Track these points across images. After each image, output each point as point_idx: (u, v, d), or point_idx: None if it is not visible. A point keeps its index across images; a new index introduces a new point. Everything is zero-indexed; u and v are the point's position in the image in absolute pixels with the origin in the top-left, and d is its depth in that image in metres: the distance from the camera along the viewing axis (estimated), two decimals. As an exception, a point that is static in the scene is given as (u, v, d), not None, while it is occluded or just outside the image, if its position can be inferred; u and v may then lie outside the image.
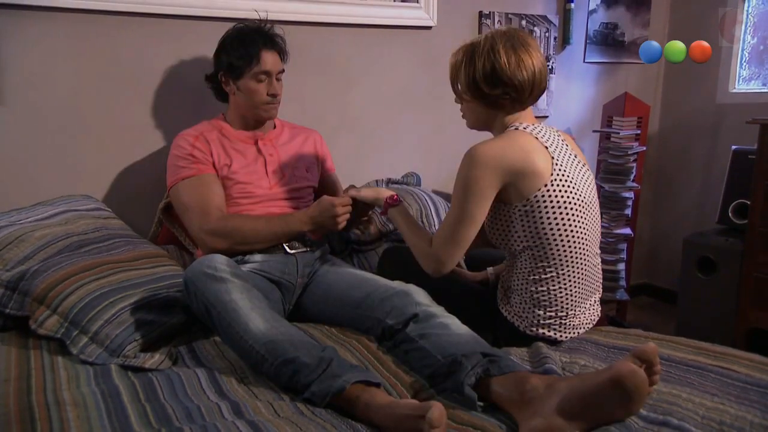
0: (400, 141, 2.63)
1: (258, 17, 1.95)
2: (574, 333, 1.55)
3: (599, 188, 2.99)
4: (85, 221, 1.77)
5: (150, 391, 1.26)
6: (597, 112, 3.17)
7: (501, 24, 2.78)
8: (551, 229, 1.47)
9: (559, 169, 1.48)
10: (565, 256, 1.49)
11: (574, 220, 1.49)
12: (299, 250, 1.79)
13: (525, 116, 1.56)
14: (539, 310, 1.51)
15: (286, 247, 1.77)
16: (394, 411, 1.17)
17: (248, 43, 1.82)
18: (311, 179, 1.99)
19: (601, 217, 2.96)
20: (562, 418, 1.14)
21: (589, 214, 1.53)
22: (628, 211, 2.96)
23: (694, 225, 3.27)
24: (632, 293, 3.36)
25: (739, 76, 3.15)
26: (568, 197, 1.47)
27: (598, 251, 1.60)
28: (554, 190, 1.46)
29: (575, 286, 1.52)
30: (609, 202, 2.94)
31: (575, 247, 1.49)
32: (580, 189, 1.51)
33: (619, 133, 2.88)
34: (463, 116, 1.63)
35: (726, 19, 3.04)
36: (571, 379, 1.21)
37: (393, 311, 1.52)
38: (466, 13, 2.72)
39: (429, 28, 2.61)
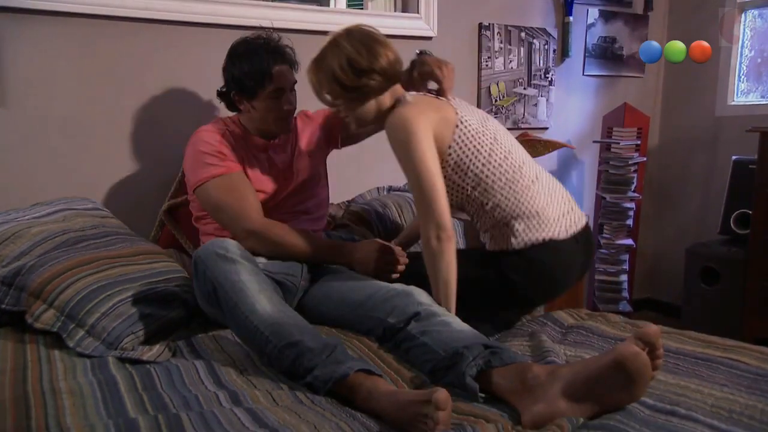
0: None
1: (263, 28, 1.90)
2: (560, 226, 1.62)
3: (600, 199, 2.98)
4: (83, 219, 1.76)
5: (147, 381, 1.24)
6: (597, 124, 3.18)
7: (500, 36, 2.81)
8: (481, 160, 1.61)
9: (461, 112, 1.64)
10: (505, 178, 1.62)
11: (496, 147, 1.64)
12: None
13: (400, 90, 1.67)
14: (515, 221, 1.60)
15: None
16: (398, 398, 1.15)
17: (257, 62, 1.75)
18: (318, 164, 1.98)
19: (603, 228, 2.96)
20: (564, 401, 1.12)
21: (508, 141, 1.70)
22: (630, 222, 2.95)
23: (696, 235, 3.26)
24: (636, 308, 3.33)
25: (738, 89, 3.17)
26: (479, 130, 1.63)
27: (547, 174, 1.74)
28: (466, 128, 1.62)
29: (531, 193, 1.63)
30: (610, 213, 2.94)
31: (510, 169, 1.63)
32: (486, 123, 1.68)
33: (619, 143, 2.89)
34: (349, 123, 1.69)
35: (726, 20, 3.06)
36: (574, 364, 1.19)
37: (395, 311, 1.50)
38: (466, 25, 2.75)
39: (429, 38, 2.63)
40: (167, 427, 1.04)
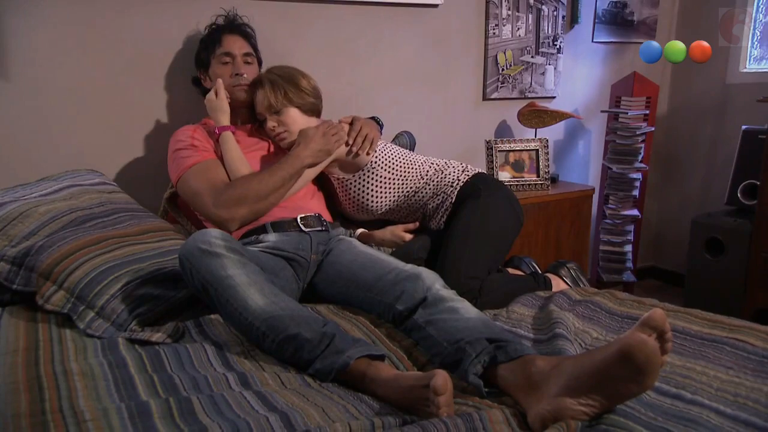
0: (406, 119, 2.60)
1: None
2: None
3: (607, 169, 2.96)
4: (90, 196, 1.75)
5: (157, 363, 1.25)
6: (605, 92, 3.14)
7: (508, 2, 2.74)
8: (393, 164, 1.98)
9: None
10: (413, 163, 1.99)
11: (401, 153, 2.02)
12: (314, 229, 1.78)
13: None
14: (447, 178, 1.96)
15: (302, 226, 1.76)
16: (399, 383, 1.15)
17: (212, 33, 1.96)
18: None
19: (608, 199, 2.95)
20: (569, 397, 1.06)
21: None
22: (636, 193, 2.93)
23: (702, 206, 3.25)
24: (639, 276, 3.34)
25: (750, 56, 3.11)
26: (387, 147, 2.01)
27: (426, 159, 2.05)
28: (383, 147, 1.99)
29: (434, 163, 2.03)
30: (616, 183, 2.92)
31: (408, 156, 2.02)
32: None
33: (627, 113, 2.85)
34: (284, 132, 1.86)
35: (726, 20, 3.00)
36: (579, 356, 1.13)
37: (403, 295, 1.47)
38: (474, -9, 2.69)
39: (435, 6, 2.58)
40: (178, 410, 1.06)
